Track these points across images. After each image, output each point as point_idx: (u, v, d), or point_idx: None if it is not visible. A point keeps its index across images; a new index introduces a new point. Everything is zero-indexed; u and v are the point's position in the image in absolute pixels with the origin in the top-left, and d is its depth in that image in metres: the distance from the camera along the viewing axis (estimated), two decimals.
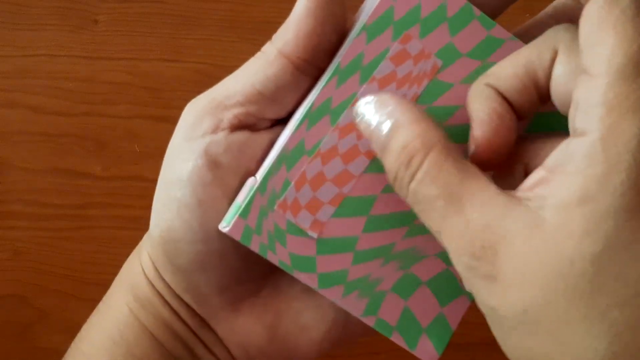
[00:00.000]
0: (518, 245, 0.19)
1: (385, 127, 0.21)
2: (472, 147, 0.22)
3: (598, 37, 0.19)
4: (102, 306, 0.29)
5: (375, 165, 0.25)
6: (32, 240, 0.45)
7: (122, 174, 0.45)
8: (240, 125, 0.25)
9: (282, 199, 0.24)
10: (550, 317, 0.18)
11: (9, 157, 0.45)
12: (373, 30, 0.23)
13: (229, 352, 0.28)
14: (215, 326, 0.27)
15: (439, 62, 0.24)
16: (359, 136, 0.24)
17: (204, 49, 0.46)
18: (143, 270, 0.28)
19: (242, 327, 0.27)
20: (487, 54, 0.25)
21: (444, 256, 0.26)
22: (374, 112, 0.22)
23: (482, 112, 0.22)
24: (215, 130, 0.25)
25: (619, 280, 0.18)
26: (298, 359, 0.28)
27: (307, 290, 0.26)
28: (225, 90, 0.25)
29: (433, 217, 0.21)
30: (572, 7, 0.24)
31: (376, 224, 0.25)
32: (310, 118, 0.24)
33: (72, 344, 0.29)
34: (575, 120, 0.19)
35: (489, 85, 0.23)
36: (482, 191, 0.20)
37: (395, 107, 0.22)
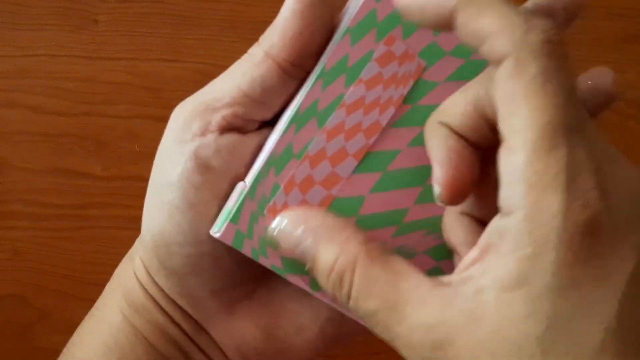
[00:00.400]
0: (464, 340, 0.19)
1: (307, 249, 0.22)
2: (436, 188, 0.22)
3: (511, 107, 0.19)
4: (95, 312, 0.29)
5: (364, 166, 0.25)
6: (32, 240, 0.45)
7: (122, 174, 0.45)
8: (229, 128, 0.25)
9: (271, 203, 0.24)
10: None
11: (9, 157, 0.45)
12: (357, 32, 0.24)
13: (224, 354, 0.28)
14: (210, 329, 0.27)
15: (423, 63, 0.25)
16: (347, 138, 0.24)
17: (204, 49, 0.46)
18: (136, 275, 0.27)
19: (238, 329, 0.27)
20: (470, 52, 0.25)
21: (433, 252, 0.27)
22: (289, 234, 0.23)
23: (439, 151, 0.22)
24: (204, 132, 0.24)
25: (567, 357, 0.18)
26: (293, 358, 0.28)
27: (301, 290, 0.26)
28: (213, 93, 0.25)
29: (380, 330, 0.20)
30: (552, 3, 0.23)
31: (366, 224, 0.25)
32: (298, 121, 0.24)
33: (65, 350, 0.29)
34: (501, 197, 0.19)
35: (442, 123, 0.22)
36: (417, 290, 0.20)
37: (307, 223, 0.22)
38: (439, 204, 0.23)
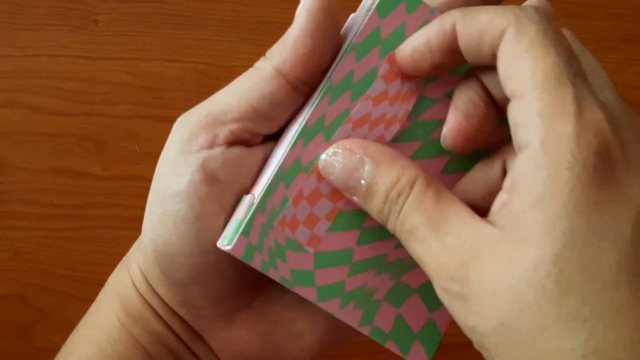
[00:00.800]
0: (486, 261, 0.20)
1: (365, 173, 0.23)
2: (443, 130, 0.24)
3: (515, 65, 0.20)
4: (89, 318, 0.29)
5: None
6: (32, 240, 0.45)
7: (122, 174, 0.45)
8: (236, 141, 0.25)
9: (280, 216, 0.24)
10: (526, 325, 0.19)
11: (9, 157, 0.45)
12: (362, 49, 0.24)
13: None
14: (209, 338, 0.27)
15: (422, 79, 0.25)
16: None
17: (204, 49, 0.46)
18: (134, 283, 0.27)
19: (236, 337, 0.27)
20: (467, 69, 0.25)
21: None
22: (344, 161, 0.24)
23: (460, 99, 0.24)
24: (211, 145, 0.24)
25: (583, 276, 0.18)
26: None
27: (299, 299, 0.26)
28: (221, 106, 0.25)
29: (415, 244, 0.22)
30: None
31: (369, 236, 0.26)
32: (305, 135, 0.24)
33: (59, 356, 0.29)
34: (516, 139, 0.20)
35: (474, 76, 0.24)
36: (458, 216, 0.21)
37: (366, 151, 0.23)
38: (443, 146, 0.24)
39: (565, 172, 0.19)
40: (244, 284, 0.26)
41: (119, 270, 0.29)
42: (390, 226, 0.23)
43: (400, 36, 0.24)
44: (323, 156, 0.24)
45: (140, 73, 0.46)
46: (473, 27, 0.22)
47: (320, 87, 0.24)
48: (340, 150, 0.24)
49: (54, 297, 0.44)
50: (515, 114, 0.20)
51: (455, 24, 0.22)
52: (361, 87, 0.24)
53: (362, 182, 0.23)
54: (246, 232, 0.23)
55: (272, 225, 0.24)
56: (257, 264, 0.24)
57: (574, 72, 0.20)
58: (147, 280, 0.27)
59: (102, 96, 0.46)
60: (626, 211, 0.19)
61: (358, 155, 0.23)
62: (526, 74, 0.20)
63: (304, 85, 0.25)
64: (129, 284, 0.28)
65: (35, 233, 0.45)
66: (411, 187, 0.22)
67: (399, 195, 0.22)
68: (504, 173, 0.24)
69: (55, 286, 0.44)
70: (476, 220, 0.21)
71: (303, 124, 0.24)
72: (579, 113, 0.19)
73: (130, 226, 0.45)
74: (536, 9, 0.21)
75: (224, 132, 0.25)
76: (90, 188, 0.45)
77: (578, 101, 0.19)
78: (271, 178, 0.24)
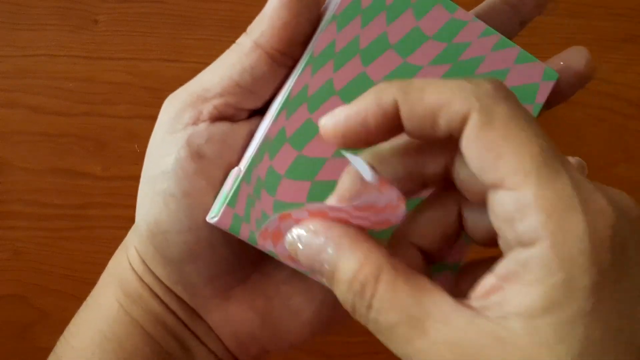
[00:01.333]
0: None
1: (327, 258, 0.21)
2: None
3: (494, 153, 0.19)
4: (90, 301, 0.29)
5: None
6: (32, 240, 0.45)
7: (122, 174, 0.45)
8: (220, 117, 0.25)
9: (272, 186, 0.25)
10: None
11: (9, 157, 0.45)
12: (343, 19, 0.25)
13: (220, 341, 0.28)
14: (207, 316, 0.27)
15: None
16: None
17: (204, 49, 0.46)
18: (131, 265, 0.28)
19: (234, 314, 0.27)
20: (452, 36, 0.26)
21: None
22: (309, 243, 0.21)
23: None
24: (195, 122, 0.25)
25: None
26: (289, 342, 0.28)
27: (295, 273, 0.26)
28: (204, 83, 0.26)
29: (398, 344, 0.20)
30: None
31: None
32: (289, 106, 0.24)
33: (62, 339, 0.29)
34: (511, 233, 0.19)
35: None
36: (441, 308, 0.19)
37: (328, 232, 0.21)
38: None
39: (582, 277, 0.18)
40: (238, 261, 0.27)
41: (117, 254, 0.30)
42: (360, 320, 0.21)
43: (382, 5, 0.25)
44: (289, 236, 0.22)
45: (140, 73, 0.46)
46: (421, 109, 0.20)
47: (302, 59, 0.25)
48: (304, 232, 0.21)
49: (54, 297, 0.44)
50: (508, 206, 0.19)
51: (398, 103, 0.20)
52: (344, 57, 0.25)
53: (326, 265, 0.21)
54: (232, 203, 0.24)
55: (258, 195, 0.24)
56: (244, 235, 0.24)
57: (558, 153, 0.19)
58: (143, 261, 0.27)
59: (102, 96, 0.46)
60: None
61: (322, 238, 0.21)
62: (511, 163, 0.19)
63: (283, 57, 0.25)
64: (126, 265, 0.28)
65: (35, 233, 0.45)
66: (376, 279, 0.20)
67: (363, 287, 0.20)
68: (460, 218, 0.23)
69: (55, 286, 0.44)
70: (463, 311, 0.19)
71: (286, 95, 0.24)
72: (584, 203, 0.18)
73: (130, 226, 0.45)
74: (491, 82, 0.20)
75: (207, 108, 0.25)
76: (90, 188, 0.45)
77: (578, 189, 0.18)
78: (255, 149, 0.24)
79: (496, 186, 0.19)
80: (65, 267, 0.45)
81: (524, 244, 0.19)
